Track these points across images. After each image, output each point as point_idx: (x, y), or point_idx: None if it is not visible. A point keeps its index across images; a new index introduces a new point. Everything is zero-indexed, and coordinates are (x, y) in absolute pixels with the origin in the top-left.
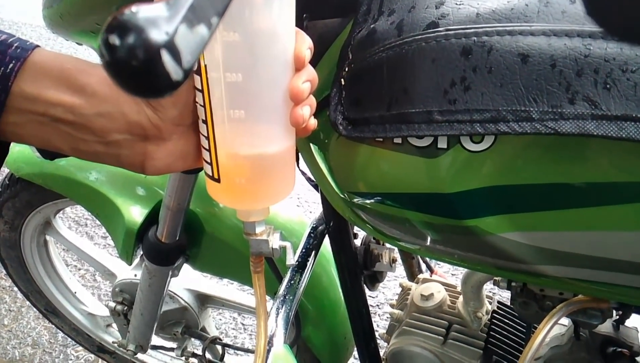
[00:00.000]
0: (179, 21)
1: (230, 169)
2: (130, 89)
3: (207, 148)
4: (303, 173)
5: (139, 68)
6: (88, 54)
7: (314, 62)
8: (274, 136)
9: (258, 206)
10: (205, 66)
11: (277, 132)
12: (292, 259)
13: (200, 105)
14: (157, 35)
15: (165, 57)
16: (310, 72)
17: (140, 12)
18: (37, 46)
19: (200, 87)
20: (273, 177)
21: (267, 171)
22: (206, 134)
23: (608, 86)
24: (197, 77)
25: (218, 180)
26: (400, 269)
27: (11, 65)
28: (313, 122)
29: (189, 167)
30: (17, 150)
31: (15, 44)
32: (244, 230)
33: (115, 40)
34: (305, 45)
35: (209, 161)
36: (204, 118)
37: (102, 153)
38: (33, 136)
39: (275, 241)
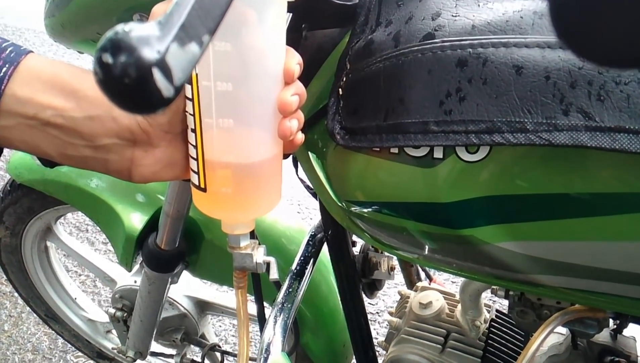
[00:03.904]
0: (170, 40)
1: (217, 178)
2: (123, 105)
3: (195, 156)
4: (302, 181)
5: (131, 86)
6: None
7: (312, 71)
8: (261, 147)
9: (243, 217)
10: (197, 74)
11: (264, 143)
12: (275, 274)
13: (190, 114)
14: (149, 53)
15: (157, 75)
16: (299, 87)
17: (133, 31)
18: (31, 52)
19: (190, 96)
20: (259, 188)
21: (253, 181)
22: (194, 143)
23: (602, 97)
24: (187, 86)
25: (204, 189)
26: (400, 276)
27: (4, 69)
28: (300, 137)
29: (177, 177)
30: (19, 156)
31: (9, 49)
32: (228, 244)
33: (108, 58)
34: (295, 60)
35: (196, 170)
36: (192, 127)
37: (90, 158)
38: (21, 141)
39: (259, 256)
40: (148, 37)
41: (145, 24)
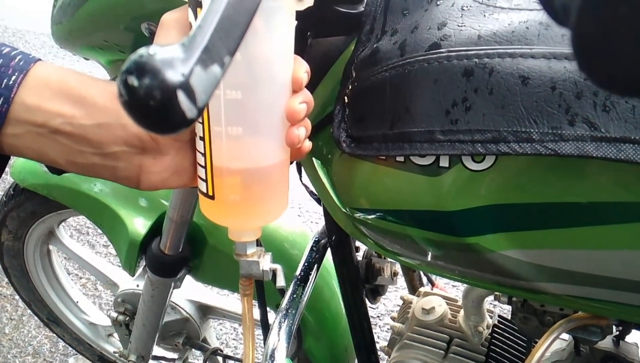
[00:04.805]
0: (194, 62)
1: (225, 186)
2: (147, 126)
3: (203, 164)
4: (306, 187)
5: (156, 107)
6: (91, 63)
7: (317, 79)
8: (269, 155)
9: (251, 225)
10: None
11: (272, 151)
12: (282, 281)
13: (199, 122)
14: (174, 76)
15: (181, 97)
16: (306, 95)
17: (158, 54)
18: (40, 59)
19: None
20: (267, 195)
21: (261, 188)
22: (203, 151)
23: (607, 108)
24: None
25: (212, 197)
26: (401, 280)
27: (14, 77)
28: (308, 145)
29: (184, 185)
30: (22, 161)
31: (19, 57)
32: (235, 251)
33: (133, 81)
34: (303, 69)
35: (204, 178)
36: (201, 135)
37: (98, 166)
38: (29, 149)
39: (266, 263)
40: (172, 59)
41: (168, 47)
